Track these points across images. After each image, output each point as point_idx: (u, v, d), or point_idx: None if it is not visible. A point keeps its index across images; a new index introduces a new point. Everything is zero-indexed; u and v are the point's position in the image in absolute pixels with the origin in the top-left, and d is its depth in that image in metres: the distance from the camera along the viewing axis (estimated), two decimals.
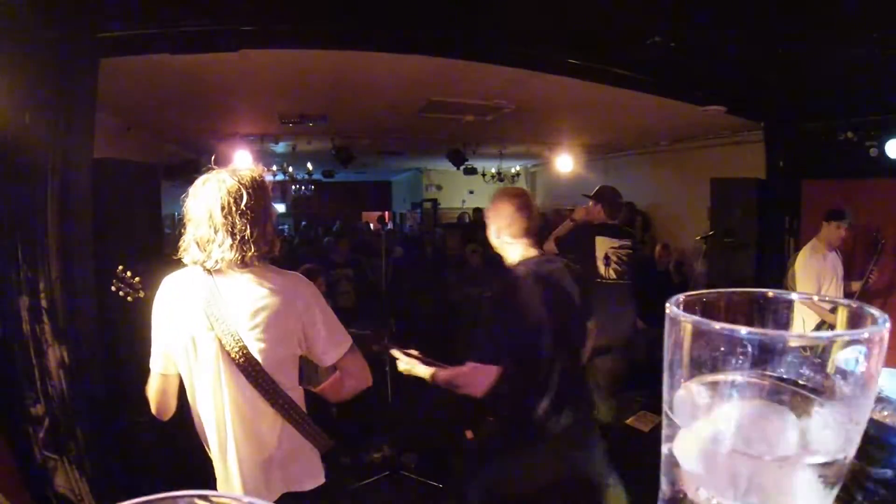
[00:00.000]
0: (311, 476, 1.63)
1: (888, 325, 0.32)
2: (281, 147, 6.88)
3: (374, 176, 14.26)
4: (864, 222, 3.51)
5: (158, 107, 4.29)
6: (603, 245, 3.22)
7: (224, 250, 1.36)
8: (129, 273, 1.77)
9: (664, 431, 0.37)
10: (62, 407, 2.14)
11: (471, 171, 8.21)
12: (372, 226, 8.78)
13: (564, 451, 2.06)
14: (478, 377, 1.87)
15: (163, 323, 1.47)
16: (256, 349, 1.41)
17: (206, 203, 1.37)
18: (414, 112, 4.72)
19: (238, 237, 1.36)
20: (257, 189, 1.41)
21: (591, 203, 3.34)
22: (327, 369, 1.67)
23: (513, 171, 10.46)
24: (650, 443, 3.60)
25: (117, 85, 2.92)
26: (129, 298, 1.77)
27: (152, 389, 1.53)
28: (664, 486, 0.38)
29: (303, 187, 11.35)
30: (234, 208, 1.36)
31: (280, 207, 15.20)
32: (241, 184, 1.39)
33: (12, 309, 2.06)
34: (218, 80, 3.54)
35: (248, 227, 1.37)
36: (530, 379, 1.94)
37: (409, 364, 2.08)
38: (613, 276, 3.22)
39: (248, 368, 1.40)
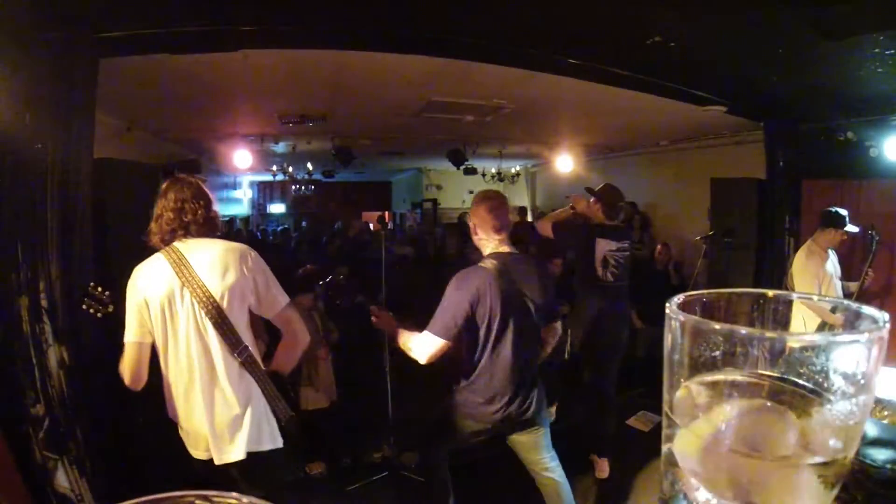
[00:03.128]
0: (272, 438, 1.85)
1: (888, 325, 0.32)
2: (281, 147, 6.88)
3: (374, 176, 14.25)
4: (863, 222, 3.49)
5: (158, 107, 4.29)
6: (602, 248, 3.22)
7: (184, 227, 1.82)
8: (99, 289, 1.92)
9: (664, 431, 0.37)
10: (62, 407, 2.14)
11: (471, 171, 8.20)
12: (372, 226, 8.78)
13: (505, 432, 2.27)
14: (425, 345, 2.10)
15: (138, 295, 1.76)
16: (220, 296, 1.74)
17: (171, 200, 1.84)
18: (414, 112, 4.72)
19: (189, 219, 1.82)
20: (202, 191, 1.88)
21: (592, 199, 3.32)
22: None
23: (513, 171, 10.47)
24: (650, 443, 3.60)
25: (117, 85, 2.92)
26: (98, 315, 1.91)
27: (127, 360, 1.77)
28: (664, 486, 0.38)
29: (303, 187, 11.35)
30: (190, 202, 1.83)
31: (280, 207, 15.24)
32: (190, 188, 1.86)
33: (12, 309, 2.06)
34: (218, 80, 3.54)
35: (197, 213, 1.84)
36: (473, 362, 2.16)
37: (382, 320, 2.31)
38: (610, 278, 3.24)
39: (216, 317, 1.73)
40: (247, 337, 1.81)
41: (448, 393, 2.30)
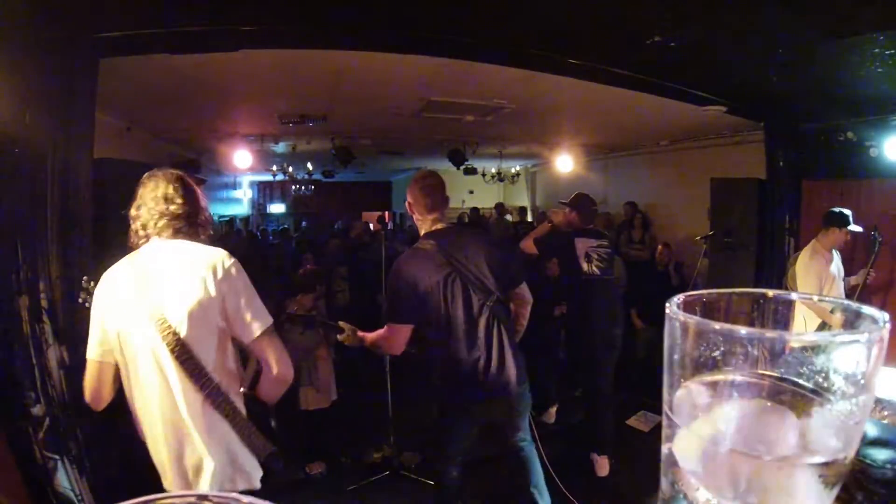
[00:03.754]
0: (246, 479, 1.59)
1: (888, 325, 0.32)
2: (281, 147, 6.88)
3: (374, 176, 14.24)
4: (864, 222, 3.49)
5: (158, 107, 4.29)
6: (582, 245, 3.36)
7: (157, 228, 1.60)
8: (92, 283, 1.75)
9: (664, 431, 0.37)
10: (62, 407, 2.14)
11: (471, 171, 8.20)
12: (372, 226, 8.78)
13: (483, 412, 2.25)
14: (393, 336, 2.13)
15: (99, 310, 1.56)
16: (179, 321, 1.48)
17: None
18: (414, 112, 4.72)
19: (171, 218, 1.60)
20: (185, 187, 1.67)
21: (567, 209, 3.44)
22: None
23: (513, 171, 10.46)
24: (650, 443, 3.60)
25: (117, 85, 2.92)
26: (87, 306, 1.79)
27: (87, 377, 1.58)
28: (664, 486, 0.38)
29: (303, 187, 11.35)
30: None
31: (280, 207, 15.24)
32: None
33: (12, 309, 2.06)
34: (218, 80, 3.54)
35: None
36: (437, 349, 2.17)
37: (346, 336, 2.30)
38: (596, 271, 3.34)
39: (174, 345, 1.47)
40: (216, 362, 1.53)
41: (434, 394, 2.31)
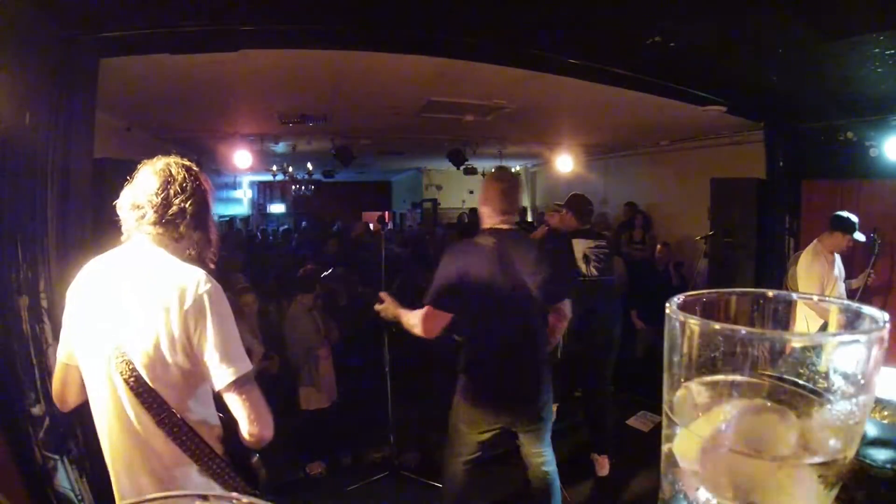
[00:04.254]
0: None
1: (888, 325, 0.32)
2: (281, 147, 6.88)
3: (374, 176, 14.26)
4: (864, 222, 3.49)
5: (158, 107, 4.28)
6: (580, 246, 3.36)
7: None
8: None
9: (664, 431, 0.37)
10: None
11: (471, 171, 8.20)
12: (372, 226, 8.78)
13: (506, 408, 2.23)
14: (430, 320, 2.09)
15: (70, 307, 1.38)
16: (136, 354, 1.24)
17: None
18: (414, 112, 4.72)
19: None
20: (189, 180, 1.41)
21: (563, 211, 3.46)
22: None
23: (513, 171, 10.47)
24: (650, 443, 3.60)
25: (117, 85, 2.92)
26: None
27: (55, 377, 1.45)
28: (664, 486, 0.38)
29: (303, 187, 11.35)
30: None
31: (280, 207, 15.24)
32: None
33: (12, 309, 2.06)
34: (218, 80, 3.54)
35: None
36: (476, 333, 2.16)
37: (386, 305, 2.28)
38: (595, 272, 3.34)
39: (129, 377, 1.24)
40: (182, 404, 1.28)
41: (454, 390, 2.27)
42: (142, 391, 1.24)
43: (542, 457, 2.31)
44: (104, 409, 1.30)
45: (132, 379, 1.24)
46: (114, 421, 1.29)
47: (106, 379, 1.28)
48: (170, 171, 1.35)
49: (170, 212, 1.32)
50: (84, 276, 1.38)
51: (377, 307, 2.31)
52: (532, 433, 2.27)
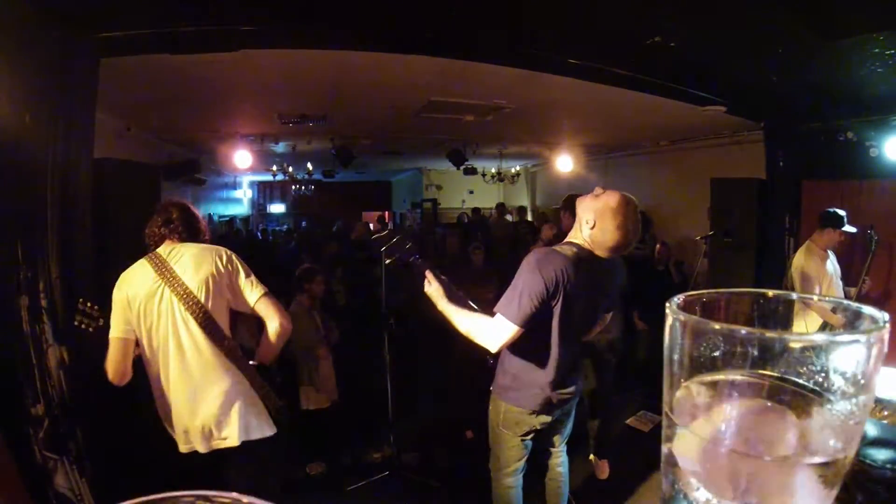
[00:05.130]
0: (260, 428, 1.93)
1: (888, 325, 0.32)
2: (281, 147, 6.88)
3: (374, 176, 14.26)
4: (864, 222, 3.49)
5: (158, 107, 4.29)
6: None
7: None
8: (88, 304, 1.99)
9: (664, 431, 0.37)
10: (62, 407, 2.14)
11: (471, 171, 8.21)
12: (372, 226, 8.78)
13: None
14: (499, 331, 1.89)
15: (122, 294, 1.87)
16: (198, 290, 1.86)
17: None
18: (414, 112, 4.72)
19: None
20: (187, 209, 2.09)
21: (562, 213, 3.41)
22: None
23: (513, 171, 10.47)
24: (650, 443, 3.60)
25: (117, 85, 2.92)
26: (90, 329, 1.96)
27: (111, 354, 1.85)
28: (664, 486, 0.38)
29: (303, 187, 11.36)
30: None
31: (280, 207, 15.24)
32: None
33: (12, 309, 2.06)
34: (218, 80, 3.54)
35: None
36: (539, 343, 1.99)
37: (436, 292, 2.07)
38: None
39: (196, 311, 1.84)
40: (227, 327, 1.92)
41: (493, 400, 2.16)
42: (205, 321, 1.85)
43: (559, 456, 2.31)
44: (172, 346, 1.84)
45: (199, 313, 1.84)
46: (182, 353, 1.85)
47: (173, 321, 1.85)
48: (173, 207, 2.07)
49: (190, 224, 2.06)
50: (132, 270, 1.92)
51: (426, 289, 2.10)
52: (559, 429, 2.26)
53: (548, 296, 1.89)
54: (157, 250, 1.95)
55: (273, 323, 1.96)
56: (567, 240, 2.05)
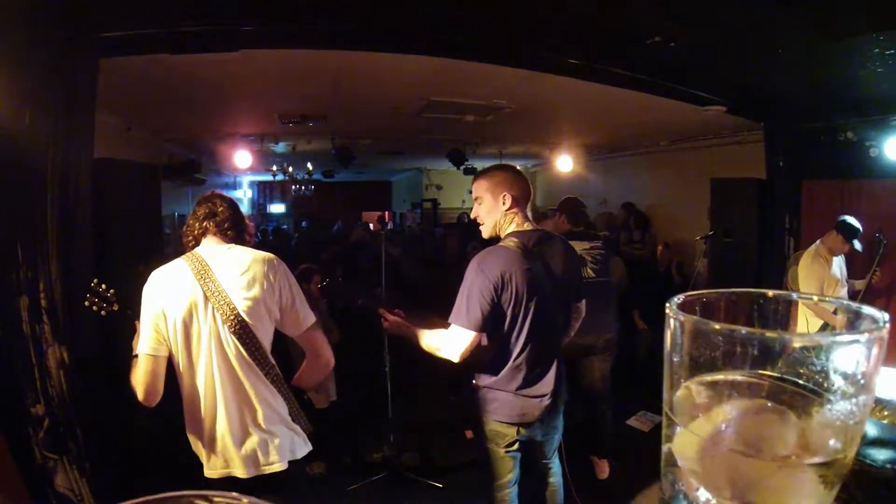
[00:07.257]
0: (295, 450, 1.78)
1: (888, 325, 0.32)
2: (281, 147, 6.88)
3: (374, 176, 14.25)
4: (864, 222, 3.49)
5: (158, 107, 4.28)
6: (577, 248, 3.32)
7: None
8: (103, 286, 1.83)
9: (664, 431, 0.37)
10: (62, 407, 2.14)
11: (471, 171, 8.18)
12: (372, 226, 8.78)
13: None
14: (455, 341, 1.89)
15: (156, 304, 1.65)
16: (245, 310, 1.65)
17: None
18: (414, 112, 4.72)
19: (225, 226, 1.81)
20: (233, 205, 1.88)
21: (557, 214, 3.45)
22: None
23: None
24: (650, 443, 3.60)
25: (117, 85, 2.92)
26: (102, 312, 1.82)
27: (140, 372, 1.65)
28: (664, 486, 0.38)
29: (303, 187, 11.34)
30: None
31: (280, 207, 15.23)
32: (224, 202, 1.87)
33: (12, 309, 2.06)
34: (218, 80, 3.54)
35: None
36: (503, 348, 1.96)
37: (393, 327, 2.13)
38: (592, 274, 3.30)
39: (240, 333, 1.63)
40: (270, 347, 1.74)
41: (476, 412, 2.09)
42: (247, 340, 1.64)
43: (551, 467, 2.24)
44: (212, 366, 1.64)
45: (240, 330, 1.63)
46: (222, 374, 1.65)
47: (213, 339, 1.64)
48: (218, 198, 1.85)
49: (236, 220, 1.83)
50: (166, 273, 1.70)
51: (385, 326, 2.14)
52: (548, 442, 2.18)
53: (497, 294, 1.87)
54: (197, 251, 1.73)
55: (321, 358, 1.85)
56: (504, 235, 2.03)
